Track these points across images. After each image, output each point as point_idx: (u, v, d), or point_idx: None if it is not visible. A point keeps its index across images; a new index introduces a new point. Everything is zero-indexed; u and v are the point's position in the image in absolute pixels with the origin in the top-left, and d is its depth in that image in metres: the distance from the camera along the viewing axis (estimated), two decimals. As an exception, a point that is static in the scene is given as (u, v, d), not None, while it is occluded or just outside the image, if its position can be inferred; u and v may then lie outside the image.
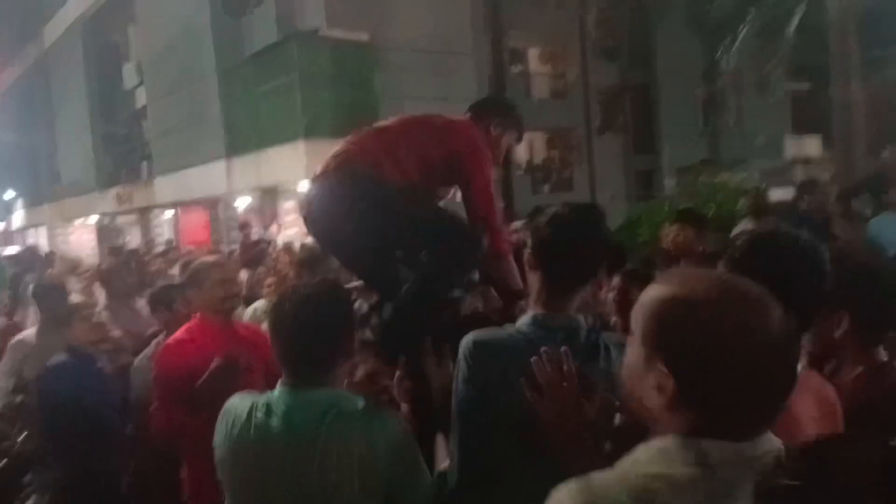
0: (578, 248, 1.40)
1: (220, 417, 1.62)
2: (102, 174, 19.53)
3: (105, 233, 20.92)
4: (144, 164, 17.85)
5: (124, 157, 19.05)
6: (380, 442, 1.48)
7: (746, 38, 12.14)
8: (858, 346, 1.47)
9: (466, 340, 1.41)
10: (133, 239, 18.02)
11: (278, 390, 1.59)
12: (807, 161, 18.75)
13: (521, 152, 16.42)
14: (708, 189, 8.75)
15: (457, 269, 2.00)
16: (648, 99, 19.33)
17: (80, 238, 23.06)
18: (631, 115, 19.29)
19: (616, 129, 18.80)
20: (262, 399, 1.58)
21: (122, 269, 4.62)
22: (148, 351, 3.22)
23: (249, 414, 1.56)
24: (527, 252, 1.46)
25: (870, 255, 1.76)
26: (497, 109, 2.30)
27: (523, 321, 1.43)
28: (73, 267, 7.20)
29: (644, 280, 1.66)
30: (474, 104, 2.31)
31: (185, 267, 3.10)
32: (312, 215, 2.04)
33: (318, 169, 2.02)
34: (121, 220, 20.56)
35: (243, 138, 13.06)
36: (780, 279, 0.98)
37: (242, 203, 14.76)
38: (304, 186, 12.06)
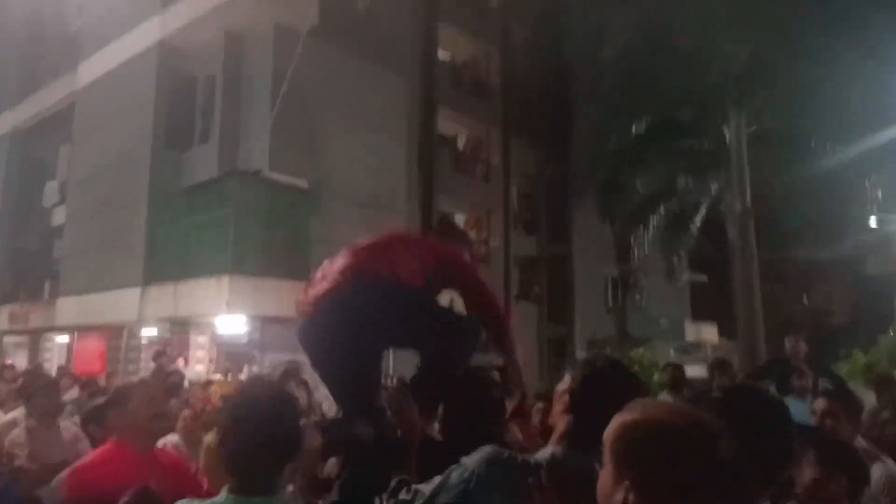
0: (610, 401, 1.54)
1: None
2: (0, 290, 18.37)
3: (-15, 352, 19.24)
4: (48, 283, 17.00)
5: (27, 274, 18.09)
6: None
7: (656, 229, 13.29)
8: None
9: (484, 454, 1.53)
10: (18, 362, 16.62)
11: (224, 497, 1.56)
12: (705, 345, 20.02)
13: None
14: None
15: (458, 360, 2.26)
16: (564, 272, 20.38)
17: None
18: (546, 285, 20.20)
19: (532, 297, 19.55)
20: (207, 506, 1.58)
21: (50, 386, 4.28)
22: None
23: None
24: (563, 397, 1.62)
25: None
26: (458, 235, 2.77)
27: (542, 455, 1.57)
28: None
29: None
30: (441, 226, 2.73)
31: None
32: (320, 327, 2.14)
33: (318, 290, 2.15)
34: (7, 339, 19.06)
35: (164, 267, 12.76)
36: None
37: (148, 333, 14.11)
38: (221, 321, 11.80)
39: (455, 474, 1.52)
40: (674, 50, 11.74)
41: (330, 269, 2.18)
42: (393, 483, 1.67)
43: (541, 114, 18.85)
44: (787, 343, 6.21)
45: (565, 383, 1.63)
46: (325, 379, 2.28)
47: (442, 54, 17.07)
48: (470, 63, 18.28)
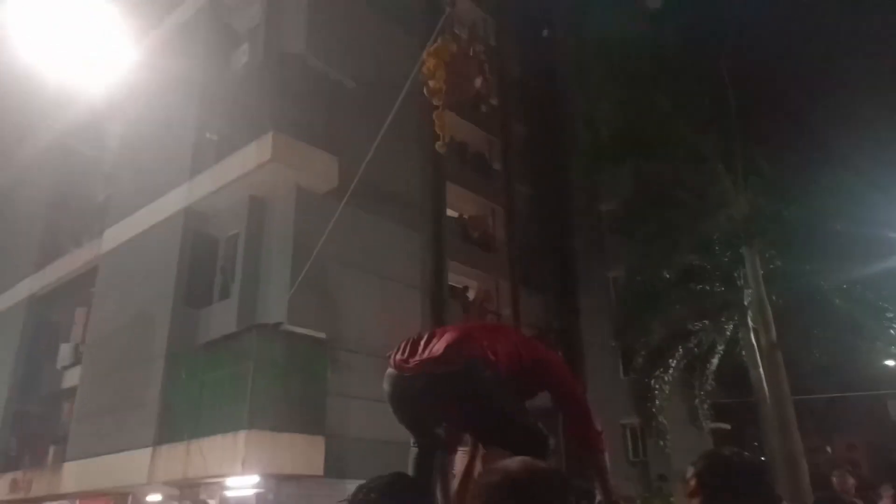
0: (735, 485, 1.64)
1: None
2: (2, 456, 17.81)
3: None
4: (52, 448, 16.54)
5: (32, 439, 17.65)
6: None
7: (673, 374, 13.21)
8: None
9: None
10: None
11: None
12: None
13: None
14: None
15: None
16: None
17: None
18: (562, 439, 19.60)
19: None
20: None
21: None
22: None
23: None
24: (692, 483, 1.74)
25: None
26: None
27: None
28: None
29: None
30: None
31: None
32: (415, 389, 2.35)
33: (426, 356, 2.36)
34: (3, 511, 18.17)
35: (177, 426, 12.53)
36: None
37: (154, 498, 13.54)
38: (235, 481, 11.38)
39: None
40: (676, 201, 12.41)
41: (438, 339, 2.31)
42: None
43: (547, 265, 19.44)
44: (835, 479, 6.10)
45: (691, 470, 1.73)
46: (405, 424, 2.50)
47: (450, 211, 17.92)
48: (477, 219, 19.13)
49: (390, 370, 2.46)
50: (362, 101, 14.31)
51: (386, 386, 2.48)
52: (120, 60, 17.89)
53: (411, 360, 2.33)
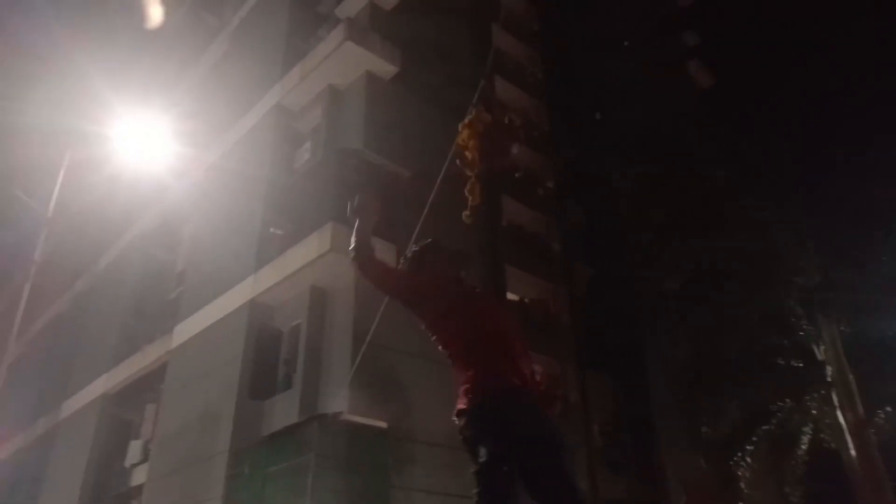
0: None
1: None
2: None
3: None
4: (120, 549, 16.48)
5: (102, 539, 17.67)
6: None
7: (755, 457, 12.32)
8: None
9: None
10: None
11: None
12: None
13: None
14: None
15: None
16: None
17: None
18: None
19: None
20: None
21: None
22: None
23: None
24: None
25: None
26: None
27: None
28: None
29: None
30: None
31: None
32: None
33: None
34: None
35: (240, 522, 12.33)
36: None
37: None
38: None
39: None
40: (742, 275, 11.96)
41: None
42: None
43: (615, 348, 18.81)
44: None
45: None
46: None
47: (511, 295, 17.74)
48: (538, 302, 18.85)
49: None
50: (418, 189, 14.63)
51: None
52: (192, 165, 19.06)
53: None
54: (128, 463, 18.16)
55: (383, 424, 12.46)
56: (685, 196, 12.21)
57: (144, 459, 17.30)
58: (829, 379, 10.32)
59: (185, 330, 17.18)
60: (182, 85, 23.79)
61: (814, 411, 11.15)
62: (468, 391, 3.03)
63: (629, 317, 20.17)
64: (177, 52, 25.64)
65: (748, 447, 12.09)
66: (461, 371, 3.17)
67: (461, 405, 3.06)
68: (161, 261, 21.60)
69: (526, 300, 18.70)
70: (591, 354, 18.78)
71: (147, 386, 18.81)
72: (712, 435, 12.87)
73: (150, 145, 15.56)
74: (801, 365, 11.15)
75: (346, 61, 16.21)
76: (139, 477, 17.14)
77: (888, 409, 10.65)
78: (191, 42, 24.84)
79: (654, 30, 21.72)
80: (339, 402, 12.33)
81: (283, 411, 13.06)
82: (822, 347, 10.39)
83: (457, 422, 3.04)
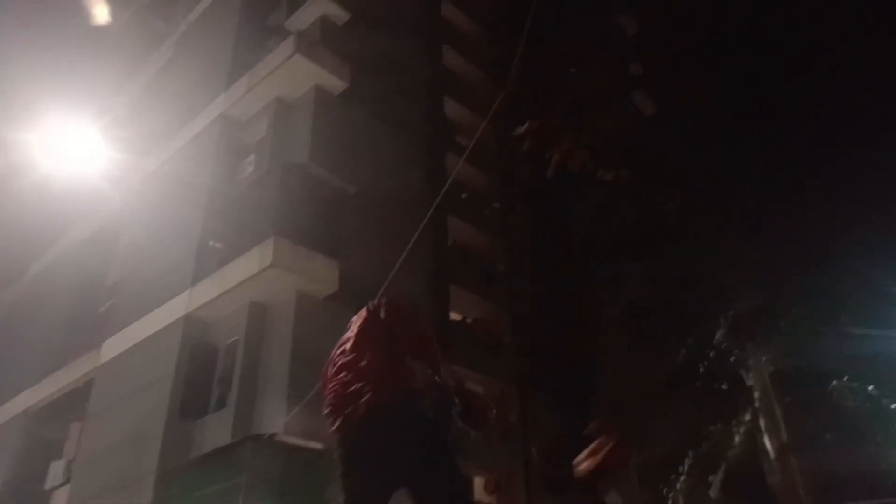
0: None
1: None
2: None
3: None
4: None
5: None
6: None
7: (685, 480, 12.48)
8: None
9: None
10: None
11: None
12: None
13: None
14: None
15: None
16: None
17: None
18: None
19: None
20: None
21: None
22: None
23: None
24: None
25: None
26: None
27: None
28: None
29: None
30: None
31: None
32: None
33: None
34: None
35: (165, 548, 11.76)
36: None
37: None
38: None
39: None
40: (680, 301, 12.19)
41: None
42: None
43: (557, 368, 18.89)
44: None
45: None
46: None
47: (454, 314, 17.67)
48: (481, 322, 18.82)
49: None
50: (364, 206, 14.46)
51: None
52: (130, 172, 18.40)
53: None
54: (48, 485, 17.19)
55: (319, 446, 12.11)
56: (634, 219, 12.40)
57: (66, 481, 16.40)
58: (756, 405, 10.58)
59: (115, 345, 16.46)
60: (123, 90, 23.06)
61: (737, 437, 11.38)
62: None
63: (574, 337, 20.32)
64: (120, 56, 24.87)
65: (680, 469, 12.25)
66: None
67: None
68: (93, 272, 20.71)
69: (468, 320, 18.64)
70: (534, 375, 18.81)
71: (72, 403, 17.89)
72: (647, 456, 12.97)
73: (81, 152, 14.92)
74: (727, 389, 11.41)
75: (294, 74, 15.99)
76: (59, 501, 16.23)
77: (814, 435, 10.92)
78: (136, 46, 24.15)
79: (602, 58, 22.21)
80: (275, 422, 11.96)
81: (215, 431, 12.58)
82: (751, 374, 10.64)
83: None
